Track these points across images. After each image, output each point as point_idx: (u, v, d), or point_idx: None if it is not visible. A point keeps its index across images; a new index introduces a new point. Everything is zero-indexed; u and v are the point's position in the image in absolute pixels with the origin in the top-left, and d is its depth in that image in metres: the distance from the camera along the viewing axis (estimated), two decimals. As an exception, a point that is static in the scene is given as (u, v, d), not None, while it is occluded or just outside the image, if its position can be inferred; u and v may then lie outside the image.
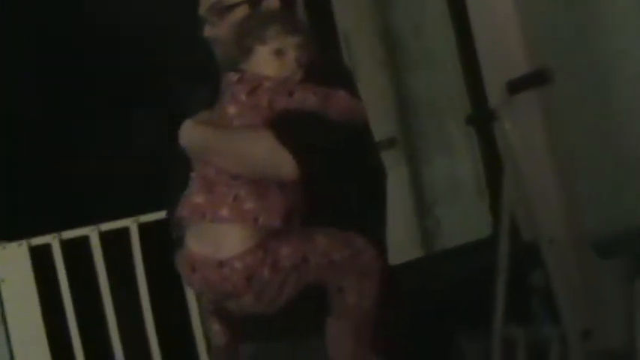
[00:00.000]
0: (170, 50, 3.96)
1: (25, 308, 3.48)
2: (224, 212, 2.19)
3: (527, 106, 4.08)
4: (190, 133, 2.31)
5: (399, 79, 5.03)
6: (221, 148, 2.25)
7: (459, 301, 3.81)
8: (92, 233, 3.59)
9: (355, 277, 2.27)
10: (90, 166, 4.12)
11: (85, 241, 3.59)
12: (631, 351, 3.55)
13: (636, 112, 3.88)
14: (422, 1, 4.92)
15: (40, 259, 3.51)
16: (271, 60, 2.28)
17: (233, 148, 2.24)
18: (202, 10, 2.51)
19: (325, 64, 2.39)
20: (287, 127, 2.20)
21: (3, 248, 3.48)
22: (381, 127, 4.65)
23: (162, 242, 2.54)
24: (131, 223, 3.64)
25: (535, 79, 3.86)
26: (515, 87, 3.82)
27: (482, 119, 4.34)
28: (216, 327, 2.43)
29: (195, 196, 2.25)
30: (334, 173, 2.25)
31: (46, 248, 3.53)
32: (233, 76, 2.29)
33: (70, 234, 3.59)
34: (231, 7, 2.47)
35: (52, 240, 3.53)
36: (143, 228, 3.64)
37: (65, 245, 3.55)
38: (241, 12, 2.45)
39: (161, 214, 2.91)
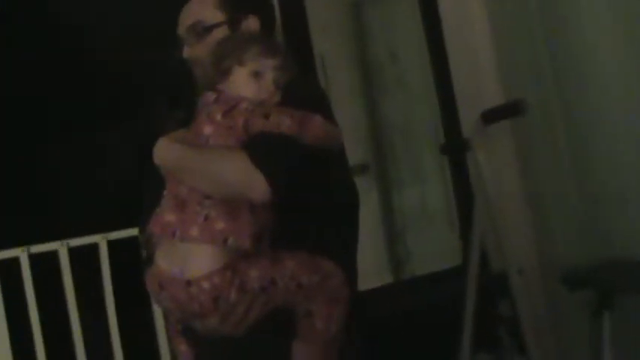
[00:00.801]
0: (146, 68, 3.96)
1: (-9, 321, 3.46)
2: (194, 232, 2.18)
3: (500, 137, 4.11)
4: (164, 151, 2.30)
5: (374, 105, 5.05)
6: (194, 167, 2.24)
7: (426, 328, 3.82)
8: (61, 248, 3.58)
9: (323, 301, 2.27)
10: (61, 182, 4.10)
11: (53, 255, 3.58)
12: (596, 384, 3.57)
13: (608, 146, 3.92)
14: (399, 28, 4.95)
15: (8, 272, 3.49)
16: (249, 81, 2.28)
17: (206, 167, 2.24)
18: (181, 30, 2.52)
19: (302, 88, 2.39)
20: (261, 149, 2.20)
21: (-29, 260, 3.47)
22: (354, 152, 4.65)
23: (131, 259, 2.53)
24: (100, 240, 3.63)
25: (510, 110, 3.88)
26: (490, 117, 3.84)
27: (455, 148, 4.35)
28: (182, 347, 2.42)
29: (166, 214, 2.24)
30: (306, 197, 2.26)
31: (14, 261, 3.51)
32: (210, 96, 2.29)
33: (38, 248, 3.57)
34: (210, 28, 2.48)
35: (21, 253, 3.51)
36: (112, 245, 3.63)
37: (34, 259, 3.53)
38: (220, 33, 2.46)
39: (131, 232, 2.90)
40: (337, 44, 4.88)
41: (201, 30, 2.47)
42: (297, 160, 2.22)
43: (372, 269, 4.61)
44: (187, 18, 2.50)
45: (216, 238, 2.17)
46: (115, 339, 3.63)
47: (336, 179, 2.41)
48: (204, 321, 2.25)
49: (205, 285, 2.17)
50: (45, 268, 3.56)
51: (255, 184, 2.17)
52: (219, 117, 2.24)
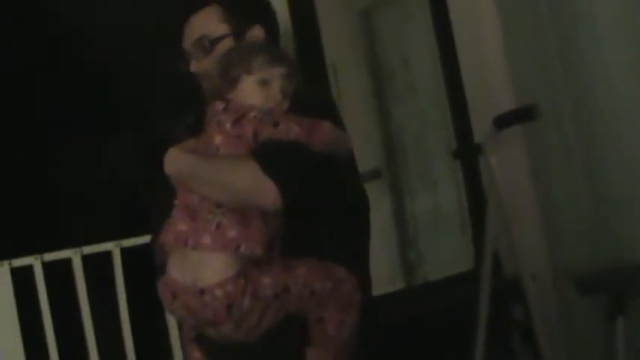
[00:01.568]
0: (156, 77, 3.96)
1: (5, 329, 3.46)
2: (206, 240, 2.19)
3: (512, 142, 4.10)
4: (175, 161, 2.31)
5: (386, 110, 5.05)
6: (205, 176, 2.25)
7: (439, 333, 3.81)
8: (75, 256, 3.58)
9: (335, 307, 2.27)
10: (74, 190, 4.11)
11: (67, 263, 3.58)
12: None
13: (620, 150, 3.91)
14: (410, 35, 4.95)
15: (22, 280, 3.49)
16: (257, 90, 2.29)
17: (217, 176, 2.25)
18: (187, 44, 2.52)
19: (310, 95, 2.40)
20: (271, 156, 2.21)
21: (-16, 268, 3.48)
22: (367, 158, 4.66)
23: (145, 267, 2.54)
24: (114, 247, 3.63)
25: (522, 115, 3.88)
26: (503, 122, 3.84)
27: (467, 153, 4.35)
28: (195, 354, 2.42)
29: (178, 224, 2.25)
30: (317, 204, 2.26)
31: (28, 269, 3.52)
32: (219, 105, 2.29)
33: (52, 256, 3.57)
34: (216, 41, 2.48)
35: (34, 261, 3.52)
36: (126, 252, 3.63)
37: (47, 267, 3.54)
38: (226, 45, 2.47)
39: (144, 239, 2.91)
40: (349, 51, 4.88)
41: (208, 44, 2.48)
42: (307, 167, 2.22)
43: (384, 275, 4.61)
44: (192, 32, 2.50)
45: (228, 246, 2.18)
46: (128, 346, 3.63)
47: (345, 185, 2.41)
48: (217, 329, 2.26)
49: (218, 293, 2.18)
50: (58, 275, 3.56)
51: (265, 192, 2.19)
52: (228, 126, 2.25)
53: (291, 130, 2.23)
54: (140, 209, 2.66)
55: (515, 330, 4.03)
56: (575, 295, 3.77)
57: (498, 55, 4.28)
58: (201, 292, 2.18)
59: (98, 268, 3.63)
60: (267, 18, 2.57)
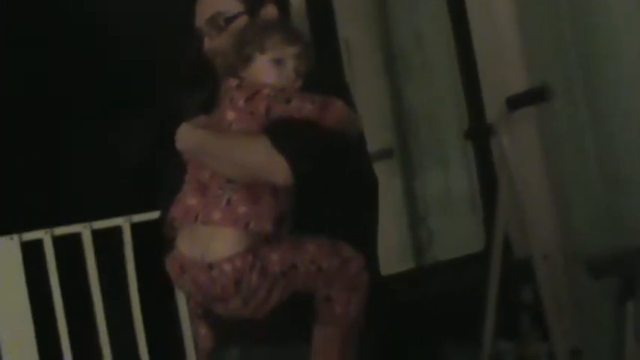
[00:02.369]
0: (167, 52, 3.96)
1: (15, 302, 3.47)
2: (216, 215, 2.20)
3: (524, 123, 4.09)
4: (187, 137, 2.31)
5: (399, 89, 5.03)
6: (217, 152, 2.26)
7: (448, 313, 3.81)
8: (84, 230, 3.59)
9: (343, 285, 2.27)
10: (84, 164, 4.11)
11: (77, 238, 3.58)
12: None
13: (633, 132, 3.89)
14: (424, 11, 4.93)
15: (32, 254, 3.50)
16: (270, 68, 2.29)
17: (228, 152, 2.25)
18: (199, 22, 2.50)
19: (323, 76, 2.40)
20: (283, 133, 2.21)
21: (-6, 242, 3.48)
22: (378, 137, 4.66)
23: (154, 242, 2.54)
24: (123, 222, 3.64)
25: (535, 96, 3.87)
26: (516, 103, 3.83)
27: (480, 133, 4.34)
28: (202, 331, 2.43)
29: (188, 198, 2.26)
30: (327, 181, 2.26)
31: (38, 243, 3.52)
32: (232, 82, 2.30)
33: (62, 230, 3.58)
34: (231, 19, 2.47)
35: (44, 235, 3.52)
36: (136, 227, 3.64)
37: (57, 241, 3.54)
38: (240, 22, 2.45)
39: (154, 215, 2.91)
40: (362, 28, 4.86)
41: (222, 22, 2.47)
42: (318, 144, 2.22)
43: (394, 254, 4.61)
44: (205, 10, 2.49)
45: (238, 222, 2.19)
46: (137, 321, 3.64)
47: (355, 165, 2.41)
48: (225, 304, 2.27)
49: (227, 268, 2.19)
50: (68, 250, 3.57)
51: (277, 168, 2.19)
52: (241, 103, 2.26)
53: (304, 107, 2.23)
54: (151, 185, 2.65)
55: (525, 311, 4.02)
56: (587, 277, 3.75)
57: (512, 36, 4.26)
58: (210, 266, 2.19)
59: (108, 243, 3.63)
60: None
